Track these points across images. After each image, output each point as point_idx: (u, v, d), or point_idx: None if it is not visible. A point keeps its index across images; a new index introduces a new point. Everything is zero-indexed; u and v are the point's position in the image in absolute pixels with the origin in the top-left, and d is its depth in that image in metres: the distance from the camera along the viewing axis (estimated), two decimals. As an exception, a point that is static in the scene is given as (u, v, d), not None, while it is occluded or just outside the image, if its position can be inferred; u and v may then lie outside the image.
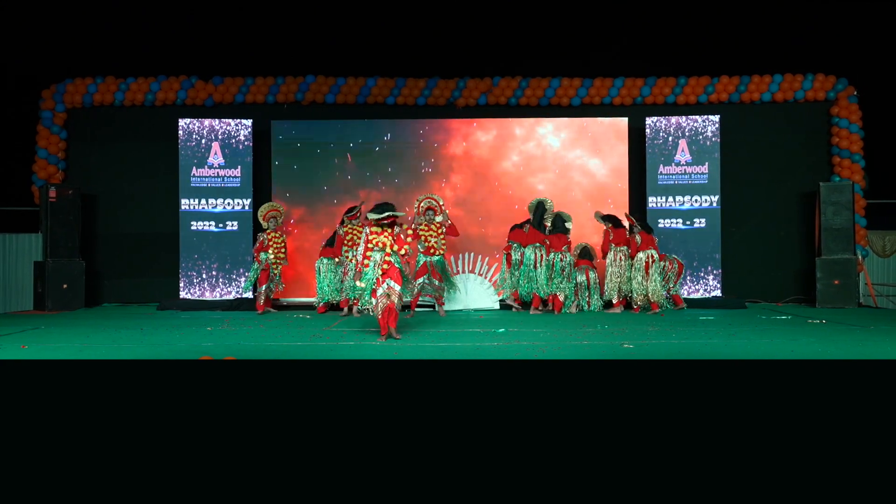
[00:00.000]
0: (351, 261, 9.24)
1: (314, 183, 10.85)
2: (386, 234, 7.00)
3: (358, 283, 7.07)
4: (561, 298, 9.46)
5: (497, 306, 10.22)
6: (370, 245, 6.96)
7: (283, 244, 9.92)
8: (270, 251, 9.74)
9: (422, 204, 9.60)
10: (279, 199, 10.59)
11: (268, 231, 9.83)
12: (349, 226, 9.68)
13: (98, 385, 3.41)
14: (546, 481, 3.21)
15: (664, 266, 9.64)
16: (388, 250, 6.93)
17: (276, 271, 9.81)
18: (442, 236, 9.44)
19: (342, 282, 9.53)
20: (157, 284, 10.92)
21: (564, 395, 3.37)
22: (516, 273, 9.46)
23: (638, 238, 9.54)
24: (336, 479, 3.21)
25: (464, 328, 7.91)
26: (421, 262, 9.32)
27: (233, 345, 6.57)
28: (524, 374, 3.60)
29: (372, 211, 7.12)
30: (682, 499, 3.18)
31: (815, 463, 3.21)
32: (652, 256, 9.44)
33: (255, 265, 9.80)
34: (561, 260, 9.37)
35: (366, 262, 6.93)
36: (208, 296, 10.56)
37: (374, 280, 6.90)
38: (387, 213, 6.99)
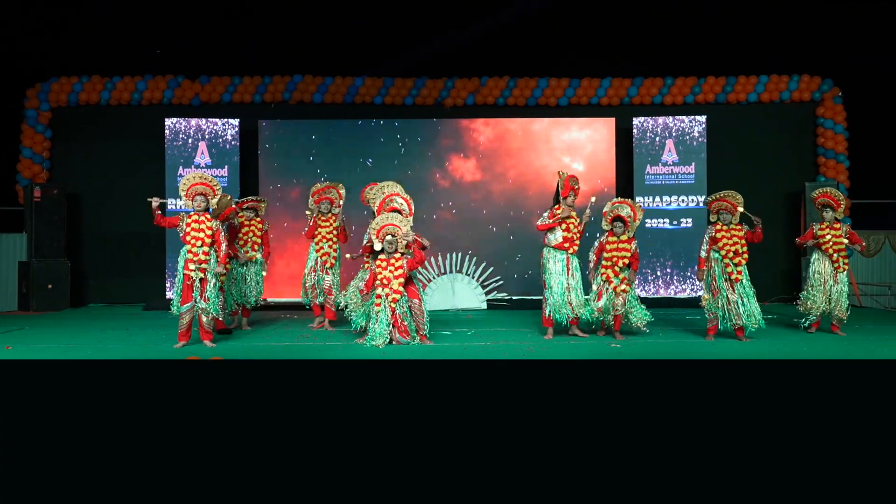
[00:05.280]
0: None
1: (301, 183, 10.81)
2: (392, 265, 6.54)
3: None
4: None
5: (484, 306, 10.22)
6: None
7: (207, 236, 6.18)
8: (186, 248, 6.15)
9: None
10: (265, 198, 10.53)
11: (191, 214, 6.27)
12: None
13: (84, 386, 3.39)
14: (535, 482, 3.22)
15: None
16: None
17: (197, 276, 6.13)
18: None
19: None
20: (143, 285, 10.85)
21: (552, 396, 3.39)
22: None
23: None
24: (324, 479, 3.22)
25: (453, 328, 7.90)
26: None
27: (219, 345, 6.54)
28: (512, 375, 3.60)
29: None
30: (672, 500, 3.20)
31: (810, 464, 3.24)
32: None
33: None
34: None
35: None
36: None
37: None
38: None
